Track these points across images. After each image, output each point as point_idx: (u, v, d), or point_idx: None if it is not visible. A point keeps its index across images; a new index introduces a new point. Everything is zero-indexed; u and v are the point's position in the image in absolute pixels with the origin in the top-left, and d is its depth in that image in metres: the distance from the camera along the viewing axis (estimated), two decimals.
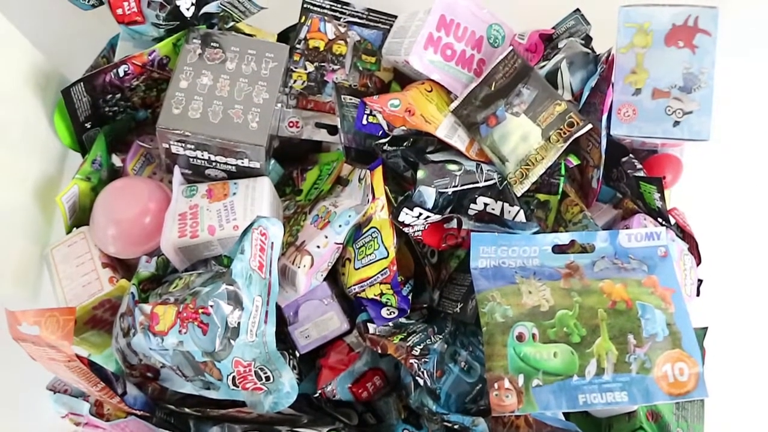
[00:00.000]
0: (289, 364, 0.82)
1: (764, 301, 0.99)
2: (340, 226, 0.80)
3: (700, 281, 0.88)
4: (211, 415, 0.79)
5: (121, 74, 0.86)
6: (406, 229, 0.81)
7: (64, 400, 0.80)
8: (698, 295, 0.88)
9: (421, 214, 0.79)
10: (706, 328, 0.86)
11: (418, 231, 0.82)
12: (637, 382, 0.72)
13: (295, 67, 0.92)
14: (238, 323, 0.71)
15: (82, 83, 0.84)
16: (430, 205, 0.79)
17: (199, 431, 0.80)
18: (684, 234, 0.90)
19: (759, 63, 1.02)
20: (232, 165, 0.84)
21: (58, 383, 0.81)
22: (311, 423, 0.80)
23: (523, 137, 0.84)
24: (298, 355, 0.85)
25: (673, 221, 0.89)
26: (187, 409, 0.78)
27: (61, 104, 0.86)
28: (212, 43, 0.86)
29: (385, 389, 0.84)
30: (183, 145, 0.82)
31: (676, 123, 0.82)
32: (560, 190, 0.86)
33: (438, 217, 0.81)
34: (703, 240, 0.89)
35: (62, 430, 0.84)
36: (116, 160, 0.95)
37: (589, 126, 0.83)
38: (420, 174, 0.80)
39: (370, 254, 0.81)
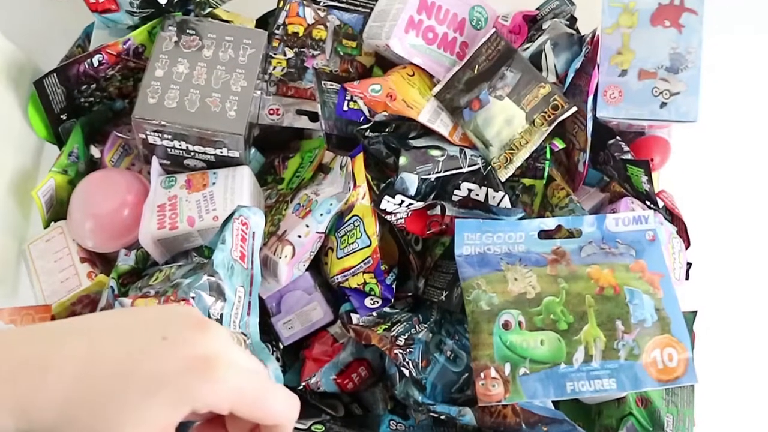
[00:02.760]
0: (273, 356, 0.81)
1: (754, 284, 0.98)
2: (321, 215, 0.79)
3: (689, 265, 0.87)
4: None
5: (96, 64, 0.84)
6: (388, 217, 0.79)
7: None
8: (687, 278, 0.86)
9: (403, 201, 0.77)
10: (696, 311, 0.84)
11: (400, 219, 0.80)
12: (626, 369, 0.71)
13: (275, 53, 0.90)
14: (221, 315, 0.70)
15: (55, 74, 0.82)
16: (412, 191, 0.78)
17: (183, 424, 0.79)
18: (672, 217, 0.88)
19: (745, 41, 1.01)
20: (210, 155, 0.83)
21: None
22: None
23: (507, 121, 0.83)
24: (281, 346, 0.84)
25: (661, 204, 0.88)
26: None
27: (34, 96, 0.85)
28: (188, 30, 0.84)
29: (371, 379, 0.83)
30: (160, 135, 0.80)
31: (663, 104, 0.81)
32: (546, 174, 0.85)
33: (421, 204, 0.79)
34: (692, 223, 0.88)
35: None
36: (95, 151, 0.93)
37: (574, 108, 0.82)
38: (402, 160, 0.78)
39: (352, 243, 0.79)
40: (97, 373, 0.38)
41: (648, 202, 0.85)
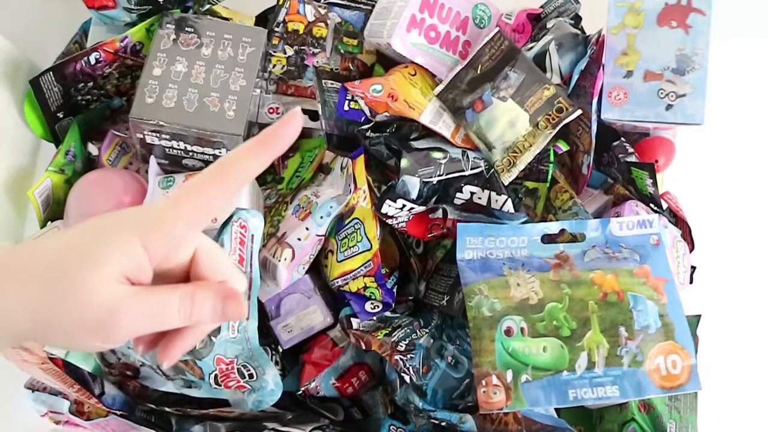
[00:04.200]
0: (272, 360, 0.80)
1: (758, 288, 0.97)
2: (321, 217, 0.78)
3: (693, 268, 0.86)
4: (192, 414, 0.77)
5: (93, 62, 0.82)
6: (389, 221, 0.78)
7: (43, 398, 0.79)
8: (691, 282, 0.85)
9: (404, 205, 0.76)
10: (700, 315, 0.84)
11: (402, 222, 0.79)
12: (629, 376, 0.70)
13: (274, 51, 0.89)
14: None
15: (51, 72, 0.81)
16: (414, 195, 0.77)
17: (181, 429, 0.79)
18: (677, 219, 0.87)
19: (749, 43, 0.99)
20: (209, 155, 0.81)
21: (36, 381, 0.79)
22: (295, 420, 0.78)
23: (510, 123, 0.81)
24: (280, 350, 0.83)
25: (665, 206, 0.86)
26: (167, 408, 0.76)
27: (30, 94, 0.83)
28: (187, 28, 0.82)
29: (371, 383, 0.83)
30: (158, 135, 0.79)
31: (669, 106, 0.79)
32: (549, 177, 0.84)
33: (422, 208, 0.78)
34: (696, 225, 0.87)
35: (42, 429, 0.83)
36: (93, 149, 0.92)
37: (579, 112, 0.80)
38: (403, 163, 0.77)
39: (352, 246, 0.78)
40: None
41: (652, 205, 0.84)
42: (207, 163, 0.82)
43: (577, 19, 0.88)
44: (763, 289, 0.96)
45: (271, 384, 0.72)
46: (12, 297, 0.39)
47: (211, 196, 0.42)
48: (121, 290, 0.40)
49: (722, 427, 0.88)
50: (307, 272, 0.81)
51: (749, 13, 0.96)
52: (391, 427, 0.79)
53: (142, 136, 0.80)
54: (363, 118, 0.83)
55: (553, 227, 0.78)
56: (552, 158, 0.83)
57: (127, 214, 0.42)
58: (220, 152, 0.80)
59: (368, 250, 0.77)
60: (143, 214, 0.42)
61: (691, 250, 0.87)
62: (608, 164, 0.87)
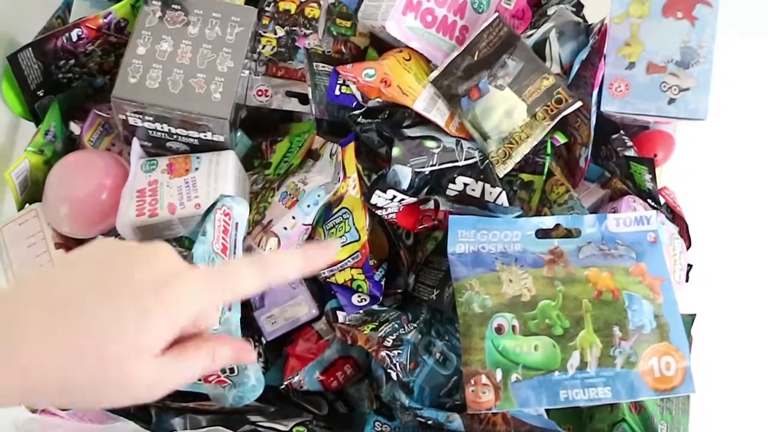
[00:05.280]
0: (255, 351, 0.78)
1: (755, 287, 0.95)
2: (308, 206, 0.75)
3: (689, 266, 0.84)
4: (173, 407, 0.75)
5: (74, 39, 0.79)
6: (378, 212, 0.76)
7: None
8: (687, 281, 0.83)
9: (395, 196, 0.73)
10: (694, 315, 0.82)
11: (392, 213, 0.77)
12: (622, 377, 0.68)
13: (264, 32, 0.86)
14: None
15: (30, 49, 0.78)
16: (405, 185, 0.74)
17: (161, 421, 0.76)
18: (674, 215, 0.85)
19: (751, 37, 0.97)
20: (194, 138, 0.78)
21: None
22: (277, 414, 0.76)
23: (507, 113, 0.79)
24: (264, 341, 0.80)
25: (662, 201, 0.84)
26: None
27: (8, 71, 0.80)
28: (174, 5, 0.79)
29: (357, 377, 0.80)
30: (141, 116, 0.76)
31: (672, 100, 0.77)
32: (545, 170, 0.81)
33: (413, 199, 0.75)
34: (693, 222, 0.85)
35: (18, 417, 0.80)
36: (75, 128, 0.89)
37: (579, 103, 0.78)
38: (395, 151, 0.74)
39: (340, 237, 0.76)
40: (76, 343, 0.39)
41: (650, 201, 0.82)
42: (191, 146, 0.80)
43: (579, 7, 0.85)
44: (760, 289, 0.94)
45: (253, 380, 0.70)
46: (35, 354, 0.38)
47: (247, 290, 0.46)
48: (158, 365, 0.41)
49: (715, 428, 0.87)
50: None
51: (751, 12, 0.93)
52: (376, 423, 0.77)
53: (124, 118, 0.77)
54: (354, 104, 0.81)
55: (548, 222, 0.75)
56: (549, 150, 0.81)
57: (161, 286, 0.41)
58: (205, 135, 0.78)
59: (356, 240, 0.75)
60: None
61: (688, 248, 0.85)
62: (606, 157, 0.84)
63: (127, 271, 0.41)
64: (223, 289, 0.44)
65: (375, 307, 0.77)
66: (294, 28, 0.86)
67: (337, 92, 0.81)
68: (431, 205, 0.77)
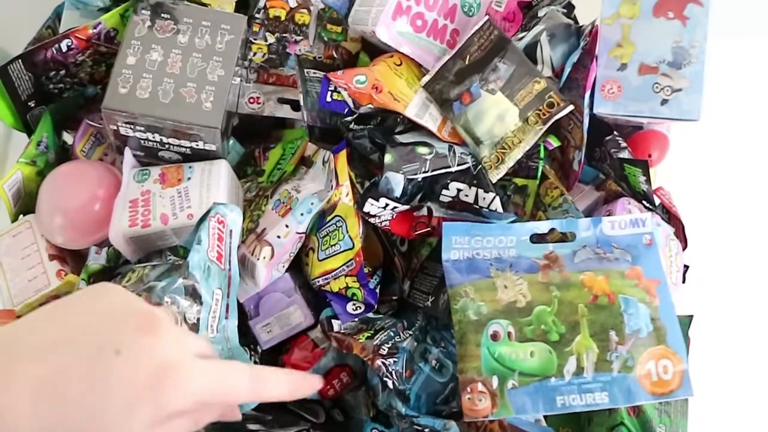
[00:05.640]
0: (251, 361, 0.78)
1: (752, 287, 0.95)
2: (302, 214, 0.75)
3: (686, 267, 0.83)
4: None
5: (64, 49, 0.79)
6: (372, 220, 0.75)
7: None
8: (684, 282, 0.83)
9: (387, 204, 0.73)
10: (692, 316, 0.81)
11: (385, 221, 0.76)
12: (619, 382, 0.68)
13: (255, 39, 0.85)
14: (198, 319, 0.66)
15: (20, 60, 0.77)
16: (398, 192, 0.74)
17: None
18: (669, 216, 0.85)
19: (743, 40, 0.96)
20: (186, 147, 0.78)
21: None
22: (275, 422, 0.76)
23: (499, 117, 0.78)
24: (260, 351, 0.80)
25: (657, 202, 0.84)
26: None
27: None
28: (163, 14, 0.78)
29: (353, 384, 0.80)
30: (132, 126, 0.76)
31: (664, 101, 0.76)
32: (539, 174, 0.81)
33: (406, 206, 0.75)
34: (689, 222, 0.84)
35: None
36: (68, 138, 0.89)
37: (570, 107, 0.77)
38: (387, 158, 0.74)
39: (334, 245, 0.75)
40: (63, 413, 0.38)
41: (645, 203, 0.81)
42: (184, 155, 0.79)
43: (569, 8, 0.84)
44: (757, 290, 0.94)
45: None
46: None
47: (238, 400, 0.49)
48: None
49: (713, 431, 0.87)
50: (287, 270, 0.78)
51: (744, 14, 0.92)
52: (373, 430, 0.76)
53: (115, 128, 0.76)
54: (346, 110, 0.80)
55: (542, 227, 0.75)
56: (542, 154, 0.80)
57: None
58: (196, 144, 0.77)
59: (350, 249, 0.74)
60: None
61: (684, 249, 0.84)
62: (600, 159, 0.84)
63: (121, 357, 0.40)
64: (214, 392, 0.44)
65: (370, 314, 0.77)
66: (284, 35, 0.86)
67: (328, 99, 0.80)
68: (425, 212, 0.77)
